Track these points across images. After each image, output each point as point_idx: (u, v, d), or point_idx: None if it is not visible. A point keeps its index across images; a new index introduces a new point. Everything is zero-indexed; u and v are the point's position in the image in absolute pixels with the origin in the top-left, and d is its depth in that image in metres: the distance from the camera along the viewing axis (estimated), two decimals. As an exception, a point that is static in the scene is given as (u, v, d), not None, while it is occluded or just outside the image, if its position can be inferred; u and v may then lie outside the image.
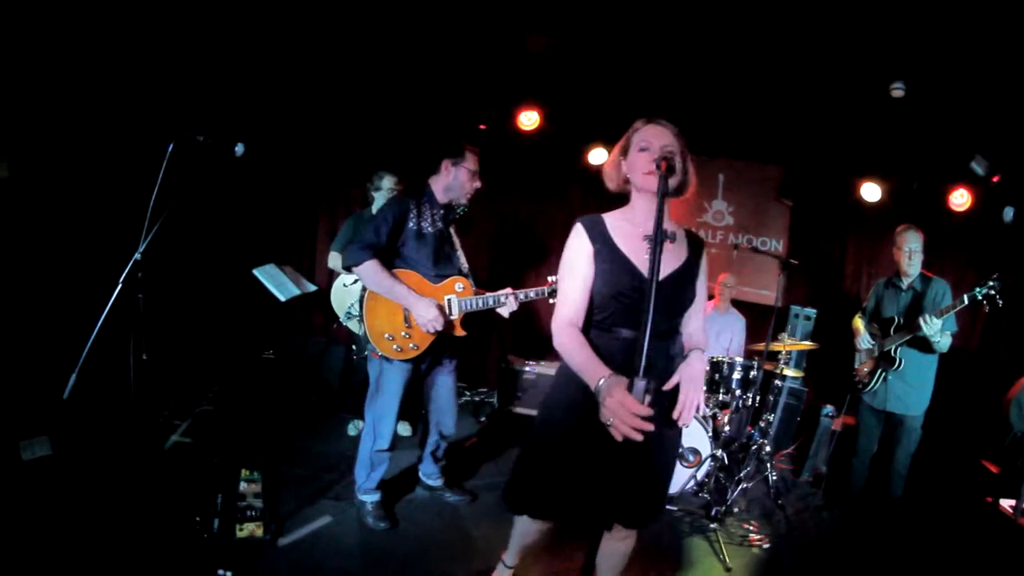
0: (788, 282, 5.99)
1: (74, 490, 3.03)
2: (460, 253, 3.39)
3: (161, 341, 3.93)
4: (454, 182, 3.28)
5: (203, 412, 4.25)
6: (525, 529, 2.63)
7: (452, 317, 3.22)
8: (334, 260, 4.45)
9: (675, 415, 1.98)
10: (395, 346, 3.12)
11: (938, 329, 3.66)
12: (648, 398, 1.63)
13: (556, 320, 2.12)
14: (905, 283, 4.10)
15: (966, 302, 3.49)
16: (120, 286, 3.01)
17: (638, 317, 1.83)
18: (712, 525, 3.93)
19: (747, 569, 3.55)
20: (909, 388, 4.01)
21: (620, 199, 2.26)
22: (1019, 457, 3.32)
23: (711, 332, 5.38)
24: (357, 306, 3.61)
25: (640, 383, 1.62)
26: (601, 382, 1.79)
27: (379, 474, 3.42)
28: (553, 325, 2.13)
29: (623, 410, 1.63)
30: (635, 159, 2.10)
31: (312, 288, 4.83)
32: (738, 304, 5.75)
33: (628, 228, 2.14)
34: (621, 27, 4.47)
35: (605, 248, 2.11)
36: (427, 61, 5.08)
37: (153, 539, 2.81)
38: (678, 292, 2.15)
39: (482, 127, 5.81)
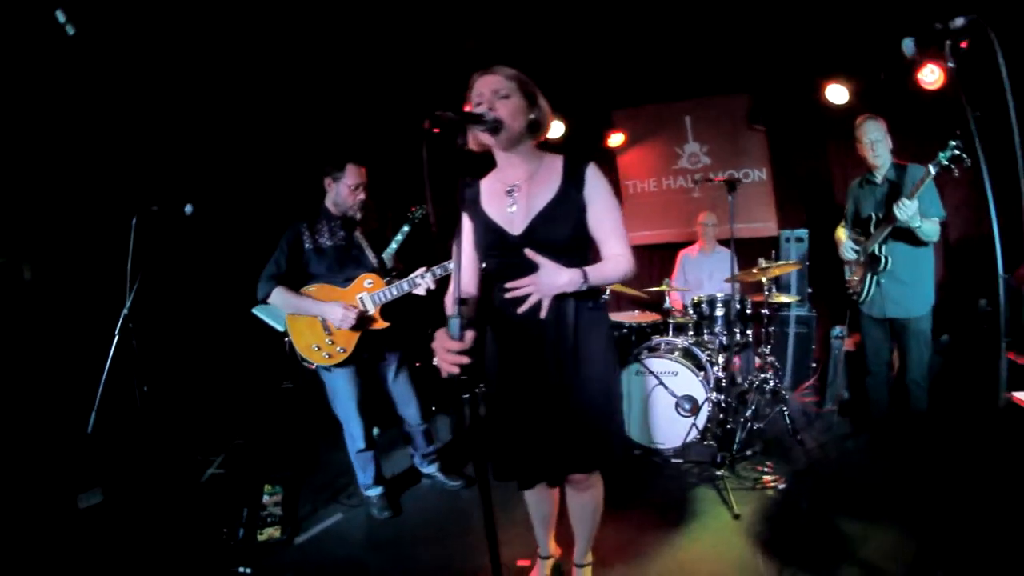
0: (780, 207, 5.67)
1: (123, 527, 3.29)
2: (369, 254, 3.40)
3: (189, 390, 4.55)
4: (338, 197, 3.34)
5: (235, 446, 4.44)
6: (529, 506, 2.56)
7: (369, 312, 3.26)
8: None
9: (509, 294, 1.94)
10: (324, 354, 3.25)
11: (915, 212, 3.15)
12: (467, 334, 1.62)
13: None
14: (879, 176, 3.57)
15: (932, 172, 2.98)
16: (117, 337, 3.44)
17: (517, 270, 1.94)
18: (719, 472, 3.60)
19: (758, 513, 3.23)
20: (905, 288, 3.48)
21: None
22: None
23: (703, 275, 5.00)
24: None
25: (453, 320, 1.61)
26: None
27: (371, 471, 3.49)
28: None
29: (440, 348, 1.64)
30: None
31: (283, 328, 4.97)
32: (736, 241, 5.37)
33: (495, 186, 2.12)
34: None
35: (473, 211, 2.10)
36: (372, 79, 5.01)
37: (186, 551, 3.08)
38: (550, 231, 2.01)
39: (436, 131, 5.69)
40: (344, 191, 3.29)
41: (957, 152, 2.83)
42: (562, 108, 5.50)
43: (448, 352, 1.61)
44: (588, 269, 1.97)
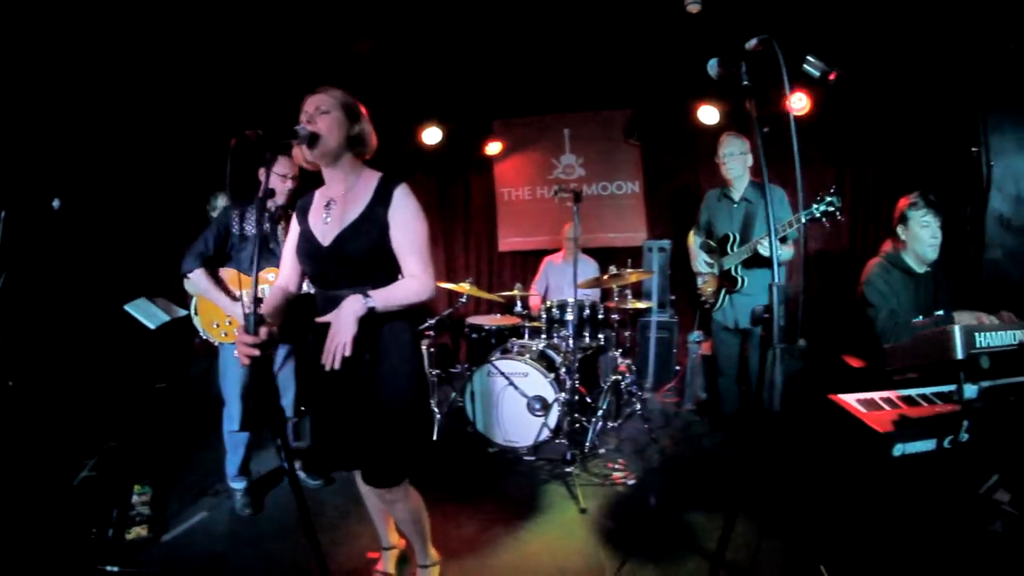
0: (650, 219, 5.68)
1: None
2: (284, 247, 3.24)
3: (59, 389, 4.32)
4: (267, 186, 3.08)
5: (108, 448, 4.19)
6: (364, 498, 2.55)
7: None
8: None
9: (322, 360, 1.90)
10: (223, 331, 3.31)
11: (785, 253, 3.20)
12: (261, 329, 1.75)
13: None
14: (736, 195, 3.50)
15: (803, 220, 2.87)
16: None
17: (328, 278, 2.09)
18: (568, 469, 3.56)
19: (605, 508, 3.19)
20: (756, 301, 3.34)
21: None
22: (890, 337, 2.87)
23: (563, 282, 4.90)
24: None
25: (250, 316, 1.74)
26: None
27: (238, 458, 3.44)
28: None
29: (238, 340, 1.76)
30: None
31: (183, 313, 4.54)
32: (604, 250, 5.40)
33: (319, 198, 2.18)
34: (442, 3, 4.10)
35: (300, 221, 2.17)
36: (249, 69, 4.69)
37: (55, 553, 2.96)
38: (351, 247, 2.04)
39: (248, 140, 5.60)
40: (275, 179, 3.23)
41: (831, 209, 2.77)
42: (442, 115, 5.39)
43: (244, 344, 1.73)
44: (373, 293, 1.96)
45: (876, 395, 2.21)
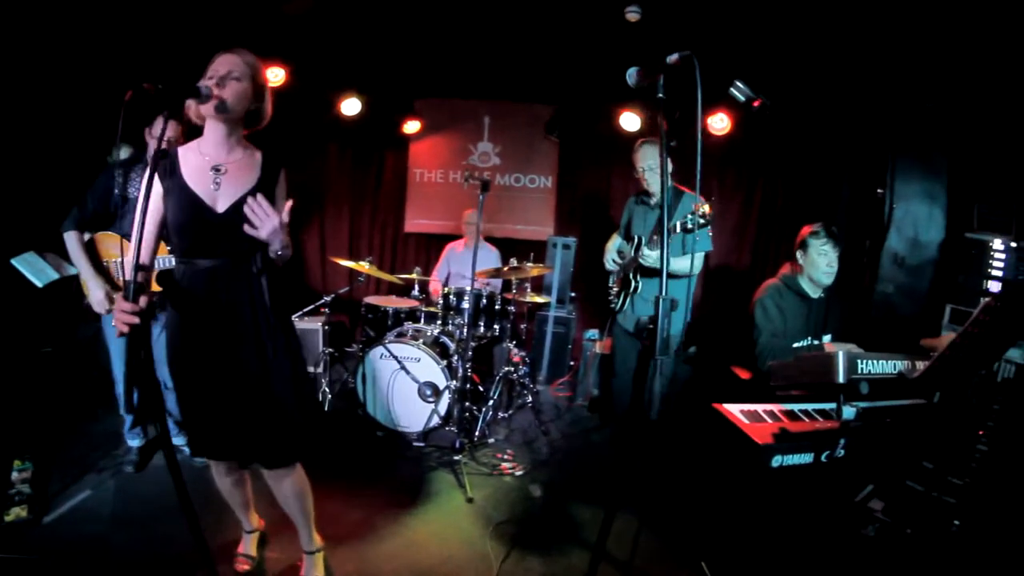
0: (560, 215, 5.70)
1: None
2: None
3: None
4: (150, 149, 3.22)
5: None
6: (221, 489, 2.49)
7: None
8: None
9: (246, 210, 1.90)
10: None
11: (655, 260, 3.11)
12: (141, 298, 1.74)
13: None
14: (653, 200, 3.46)
15: (677, 230, 2.92)
16: None
17: (212, 246, 2.00)
18: (457, 458, 3.53)
19: (492, 497, 3.21)
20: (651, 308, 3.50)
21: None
22: (768, 356, 3.05)
23: (465, 269, 4.84)
24: None
25: (130, 284, 1.74)
26: None
27: (130, 417, 3.46)
28: None
29: (116, 309, 1.71)
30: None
31: (74, 271, 4.23)
32: (512, 241, 5.43)
33: (199, 160, 2.06)
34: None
35: (173, 184, 2.02)
36: (168, 19, 4.36)
37: None
38: (244, 219, 1.97)
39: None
40: (154, 144, 3.17)
41: (701, 220, 2.80)
42: (364, 86, 5.20)
43: (123, 312, 1.68)
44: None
45: (760, 407, 2.30)
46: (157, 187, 2.03)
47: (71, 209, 3.15)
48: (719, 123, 4.82)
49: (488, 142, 5.74)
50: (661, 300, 1.81)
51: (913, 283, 3.90)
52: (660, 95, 1.86)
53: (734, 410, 2.25)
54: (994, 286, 3.44)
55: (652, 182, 3.38)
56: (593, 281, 4.93)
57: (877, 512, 2.43)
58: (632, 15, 3.80)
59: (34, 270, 4.03)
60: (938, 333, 3.47)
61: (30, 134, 4.61)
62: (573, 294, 5.10)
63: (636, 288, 3.37)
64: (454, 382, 3.72)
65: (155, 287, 2.85)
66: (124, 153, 4.01)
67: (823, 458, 2.11)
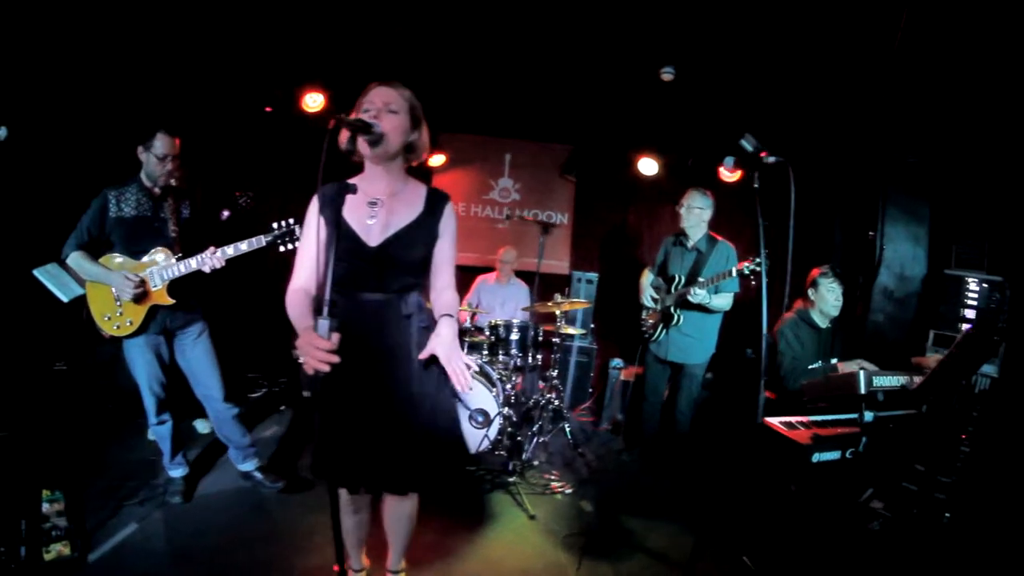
0: (575, 250, 6.47)
1: None
2: (170, 228, 3.44)
3: None
4: (147, 167, 3.39)
5: None
6: (344, 518, 2.57)
7: (155, 287, 3.33)
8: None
9: (457, 387, 2.09)
10: (115, 325, 3.36)
11: (704, 298, 3.95)
12: (334, 336, 1.77)
13: (289, 286, 2.22)
14: (690, 243, 4.28)
15: (734, 275, 3.76)
16: None
17: (371, 280, 2.16)
18: (511, 479, 4.05)
19: (551, 514, 3.71)
20: (690, 341, 4.22)
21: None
22: (792, 379, 3.82)
23: (495, 302, 5.49)
24: None
25: (323, 322, 1.76)
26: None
27: (168, 447, 3.57)
28: (287, 291, 2.21)
29: (308, 345, 1.76)
30: None
31: None
32: (531, 275, 6.01)
33: (358, 195, 2.14)
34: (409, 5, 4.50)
35: (332, 215, 2.11)
36: (215, 35, 4.82)
37: None
38: (404, 250, 2.18)
39: (268, 109, 5.66)
40: (152, 161, 3.34)
41: (758, 270, 3.56)
42: None
43: (317, 350, 1.75)
44: (450, 311, 2.21)
45: (792, 419, 3.09)
46: (320, 221, 2.12)
47: (68, 237, 3.32)
48: (728, 173, 5.70)
49: (508, 178, 6.52)
50: (764, 336, 2.52)
51: (900, 313, 4.82)
52: (756, 185, 2.67)
53: (775, 421, 2.98)
54: (970, 314, 4.38)
55: (690, 219, 4.24)
56: (610, 314, 5.64)
57: (880, 509, 3.13)
58: (667, 75, 4.63)
59: (58, 283, 4.12)
60: (922, 355, 4.39)
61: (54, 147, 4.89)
62: (592, 325, 5.87)
63: (678, 321, 4.15)
64: (506, 409, 4.38)
65: (166, 300, 3.31)
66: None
67: (847, 454, 2.86)
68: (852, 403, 2.97)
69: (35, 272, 4.07)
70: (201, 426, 4.68)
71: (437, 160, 6.31)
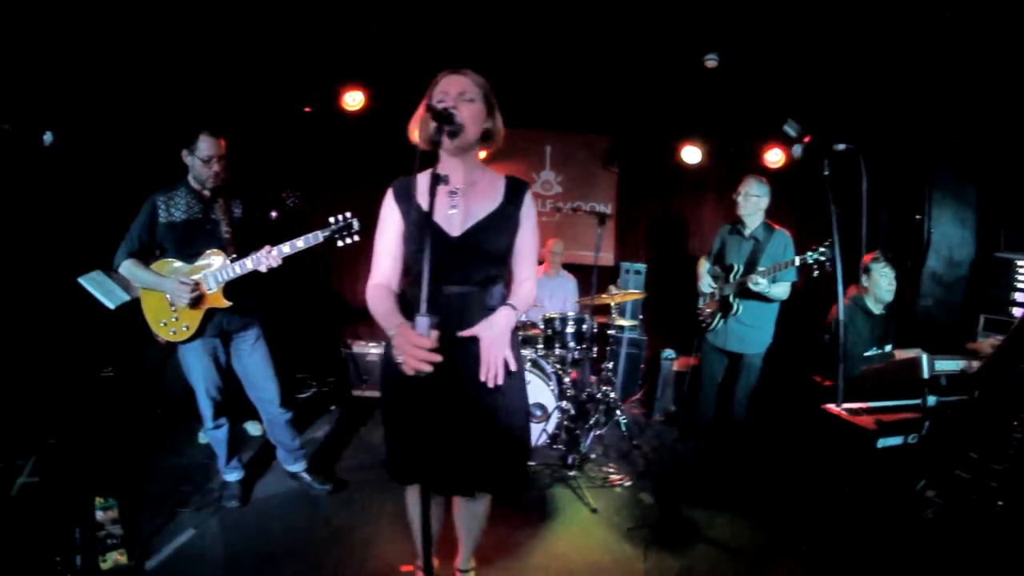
0: (620, 242, 6.64)
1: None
2: (223, 230, 3.47)
3: None
4: (193, 170, 3.43)
5: (48, 446, 3.98)
6: (411, 516, 2.66)
7: (211, 290, 3.36)
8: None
9: (481, 377, 2.06)
10: (171, 330, 3.40)
11: (766, 287, 4.06)
12: (433, 333, 1.75)
13: (368, 283, 2.24)
14: (747, 231, 4.41)
15: (797, 264, 3.84)
16: None
17: (454, 272, 2.16)
18: (571, 473, 4.23)
19: (612, 507, 3.87)
20: (748, 330, 4.37)
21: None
22: (851, 366, 3.96)
23: (544, 295, 5.67)
24: None
25: (422, 319, 1.73)
26: (392, 331, 1.96)
27: (223, 451, 3.64)
28: (366, 289, 2.24)
29: (408, 344, 1.75)
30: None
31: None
32: (574, 267, 6.17)
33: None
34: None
35: (410, 208, 2.18)
36: (252, 37, 4.96)
37: None
38: (487, 240, 2.20)
39: (307, 109, 5.82)
40: (197, 164, 3.37)
41: (823, 259, 3.70)
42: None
43: (417, 349, 1.73)
44: (514, 303, 2.20)
45: (853, 405, 3.25)
46: (396, 215, 2.22)
47: (119, 245, 3.36)
48: (774, 157, 5.87)
49: (550, 170, 6.72)
50: (840, 324, 2.67)
51: (949, 297, 5.00)
52: (826, 172, 2.81)
53: (838, 408, 3.13)
54: (1021, 297, 4.54)
55: (747, 207, 4.37)
56: (659, 304, 5.81)
57: (933, 497, 3.23)
58: (711, 62, 4.77)
59: (103, 290, 4.20)
60: (973, 339, 4.55)
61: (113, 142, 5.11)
62: (641, 317, 6.10)
63: (737, 310, 4.33)
64: (564, 402, 4.58)
65: (222, 303, 3.32)
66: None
67: (910, 439, 3.02)
68: (914, 388, 3.13)
69: (80, 280, 4.17)
70: (252, 428, 4.80)
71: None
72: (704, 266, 4.70)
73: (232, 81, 5.34)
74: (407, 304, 2.14)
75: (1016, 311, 4.48)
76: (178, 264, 3.37)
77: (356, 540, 3.35)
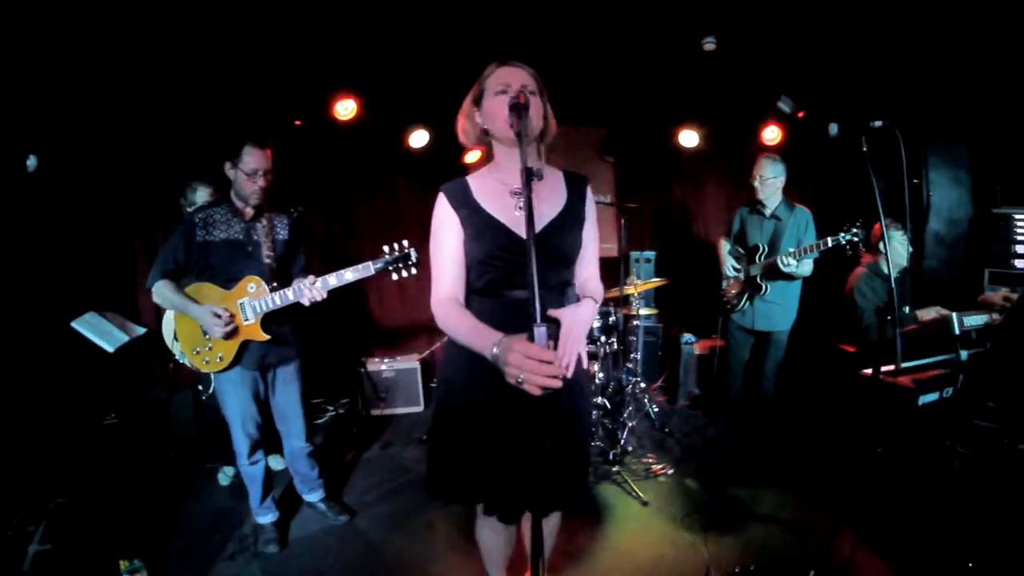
0: (620, 231, 6.98)
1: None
2: (264, 253, 3.38)
3: None
4: (236, 185, 3.33)
5: (57, 507, 3.84)
6: (488, 543, 2.67)
7: (248, 321, 3.30)
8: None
9: (564, 361, 1.93)
10: (204, 359, 3.34)
11: (795, 267, 4.32)
12: (551, 343, 1.71)
13: (434, 298, 2.17)
14: (768, 211, 4.66)
15: (829, 245, 4.08)
16: None
17: (521, 276, 2.09)
18: (614, 468, 4.44)
19: (661, 498, 4.08)
20: (775, 308, 4.64)
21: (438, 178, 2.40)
22: (871, 332, 4.28)
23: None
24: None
25: (540, 329, 1.63)
26: (495, 349, 1.81)
27: (258, 491, 3.57)
28: (432, 305, 2.16)
29: (530, 361, 1.66)
30: (494, 105, 2.10)
31: (141, 331, 4.53)
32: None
33: (495, 185, 2.20)
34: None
35: (471, 213, 2.14)
36: (235, 53, 4.90)
37: None
38: (561, 240, 2.17)
39: (297, 123, 5.87)
40: (241, 177, 3.26)
41: (856, 240, 3.98)
42: (430, 118, 6.08)
43: (542, 364, 1.64)
44: (594, 296, 2.18)
45: (888, 367, 3.53)
46: (455, 220, 2.16)
47: (152, 266, 3.28)
48: (770, 134, 6.26)
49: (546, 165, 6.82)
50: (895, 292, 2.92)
51: (953, 256, 5.46)
52: (864, 149, 3.05)
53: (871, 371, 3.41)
54: (1022, 249, 4.95)
55: (765, 188, 4.60)
56: (671, 290, 6.12)
57: (960, 449, 3.51)
58: (709, 45, 4.98)
59: (99, 332, 4.13)
60: (981, 293, 4.94)
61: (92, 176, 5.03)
62: (654, 304, 6.39)
63: (765, 291, 4.60)
64: (599, 398, 4.83)
65: (260, 335, 3.25)
66: (202, 195, 4.11)
67: (945, 393, 3.32)
68: (946, 344, 3.42)
69: (74, 324, 4.09)
70: (274, 463, 4.69)
71: (473, 156, 6.52)
72: (725, 248, 4.95)
73: (222, 94, 5.33)
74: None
75: (1019, 263, 4.92)
76: (214, 289, 3.29)
77: (379, 566, 3.41)
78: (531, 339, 1.66)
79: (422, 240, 6.33)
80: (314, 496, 3.92)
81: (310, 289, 3.17)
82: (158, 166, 5.29)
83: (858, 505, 3.53)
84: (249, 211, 3.36)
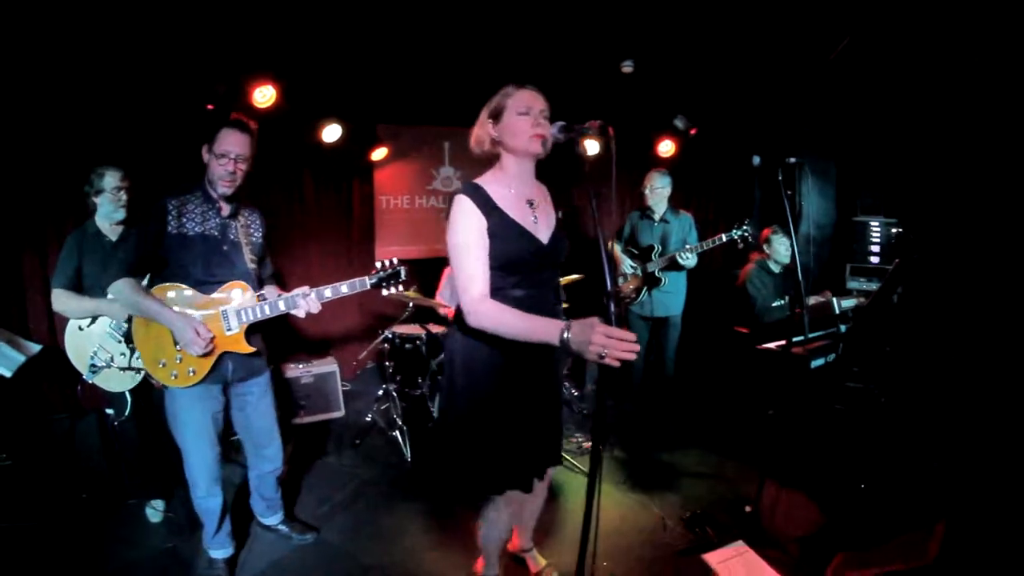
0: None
1: None
2: (245, 255, 3.33)
3: None
4: (208, 170, 3.22)
5: None
6: (494, 521, 2.99)
7: (231, 331, 3.21)
8: (61, 301, 3.77)
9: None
10: (171, 373, 3.14)
11: (693, 261, 5.53)
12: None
13: (470, 299, 2.42)
14: (657, 215, 5.87)
15: (724, 240, 5.42)
16: None
17: (535, 278, 2.56)
18: None
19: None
20: (669, 296, 5.88)
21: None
22: (765, 315, 5.53)
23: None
24: (103, 353, 3.65)
25: (613, 311, 2.05)
26: (566, 333, 2.09)
27: (214, 522, 3.45)
28: (466, 306, 2.44)
29: (613, 340, 1.95)
30: (513, 123, 2.51)
31: (36, 349, 4.20)
32: None
33: (509, 194, 2.55)
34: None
35: (498, 218, 2.45)
36: (148, 23, 4.81)
37: None
38: (563, 247, 2.67)
39: (210, 107, 5.67)
40: (212, 161, 3.15)
41: (745, 234, 5.33)
42: (344, 112, 6.35)
43: (622, 341, 1.93)
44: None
45: (778, 343, 4.69)
46: (484, 225, 2.43)
47: (122, 259, 3.10)
48: (665, 147, 7.68)
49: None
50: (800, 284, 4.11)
51: (821, 253, 7.13)
52: (780, 178, 4.18)
53: (771, 345, 4.62)
54: (875, 248, 6.71)
55: (654, 200, 5.82)
56: (576, 287, 7.07)
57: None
58: (627, 68, 6.19)
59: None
60: (844, 284, 6.73)
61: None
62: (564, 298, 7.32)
63: (664, 283, 5.81)
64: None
65: (245, 347, 3.19)
66: (110, 181, 3.79)
67: (829, 359, 4.53)
68: (828, 322, 4.64)
69: None
70: (153, 514, 4.25)
71: (380, 153, 7.09)
72: (619, 249, 6.07)
73: (124, 73, 5.14)
74: None
75: (874, 259, 6.69)
76: (189, 293, 3.14)
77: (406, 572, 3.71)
78: (606, 321, 2.01)
79: (325, 232, 6.81)
80: (274, 519, 3.93)
81: (305, 300, 3.22)
82: (52, 150, 4.95)
83: (769, 453, 4.41)
84: (224, 206, 3.25)
